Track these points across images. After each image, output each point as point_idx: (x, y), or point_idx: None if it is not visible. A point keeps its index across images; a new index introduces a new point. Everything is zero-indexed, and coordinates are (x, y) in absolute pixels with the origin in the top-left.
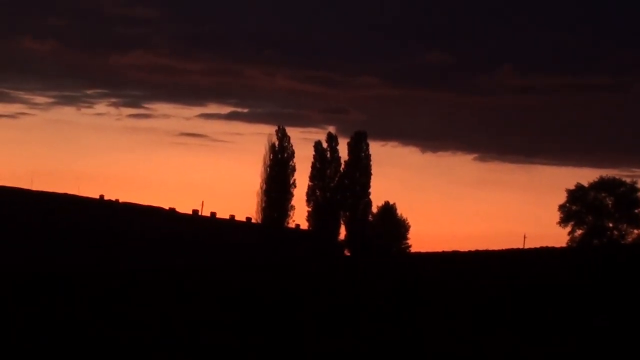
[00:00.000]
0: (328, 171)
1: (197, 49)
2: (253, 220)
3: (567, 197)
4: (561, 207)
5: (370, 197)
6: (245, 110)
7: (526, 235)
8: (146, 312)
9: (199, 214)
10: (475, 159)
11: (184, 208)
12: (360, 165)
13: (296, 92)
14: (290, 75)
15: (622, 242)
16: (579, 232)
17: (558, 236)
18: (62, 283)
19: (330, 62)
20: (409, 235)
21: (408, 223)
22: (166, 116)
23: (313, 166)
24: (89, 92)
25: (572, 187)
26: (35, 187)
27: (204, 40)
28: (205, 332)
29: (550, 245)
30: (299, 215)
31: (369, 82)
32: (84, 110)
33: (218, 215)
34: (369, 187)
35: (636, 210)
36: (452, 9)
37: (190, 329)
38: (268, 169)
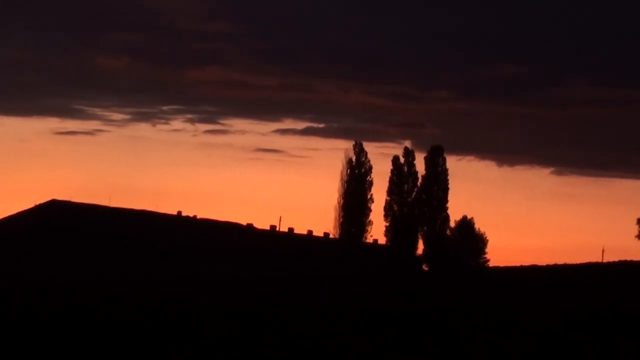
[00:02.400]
0: (405, 186)
1: (272, 64)
2: (331, 236)
3: None
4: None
5: (448, 211)
6: (321, 126)
7: (604, 249)
8: (227, 327)
9: (277, 229)
10: (552, 172)
11: (262, 224)
12: (438, 180)
13: (371, 107)
14: (365, 89)
15: None
16: None
17: (637, 249)
18: (141, 298)
19: (404, 76)
20: (487, 250)
21: (486, 237)
22: (242, 132)
23: (390, 181)
24: (164, 108)
25: None
26: (114, 203)
27: (279, 55)
28: (284, 346)
29: (629, 258)
30: (377, 230)
31: (443, 96)
32: (159, 126)
33: (296, 231)
34: (446, 201)
35: None
36: (527, 21)
37: (268, 342)
38: (345, 184)
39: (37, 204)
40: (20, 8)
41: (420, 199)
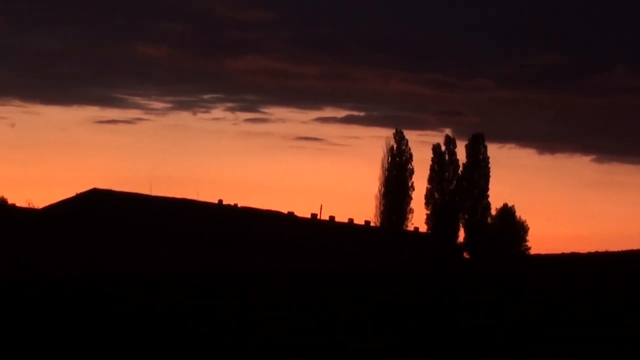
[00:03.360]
0: (446, 174)
1: (312, 52)
2: (372, 224)
3: None
4: None
5: (489, 199)
6: (362, 114)
7: None
8: (267, 316)
9: (318, 217)
10: (593, 160)
11: (303, 212)
12: (479, 168)
13: (411, 95)
14: (405, 78)
15: None
16: None
17: None
18: (182, 287)
19: (445, 64)
20: (528, 238)
21: (527, 225)
22: (282, 120)
23: (431, 169)
24: (205, 97)
25: None
26: (154, 192)
27: (319, 43)
28: (324, 336)
29: None
30: (418, 218)
31: (484, 84)
32: (200, 115)
33: (337, 219)
34: (487, 189)
35: None
36: (565, 9)
37: (310, 331)
38: (386, 172)
39: (78, 192)
40: None
41: (461, 186)
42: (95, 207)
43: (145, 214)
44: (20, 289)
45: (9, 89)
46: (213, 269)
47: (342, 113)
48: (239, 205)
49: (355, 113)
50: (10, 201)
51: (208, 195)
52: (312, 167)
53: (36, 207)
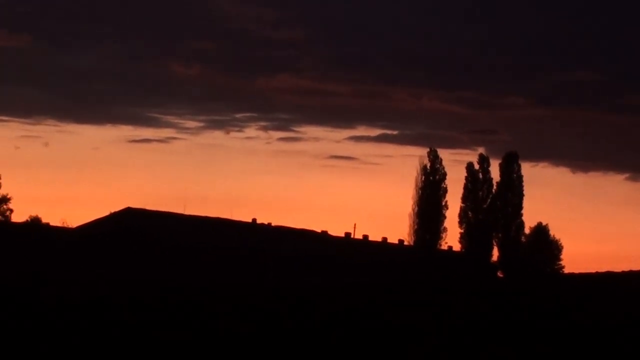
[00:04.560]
0: (480, 192)
1: (345, 70)
2: (406, 243)
3: None
4: None
5: (523, 218)
6: (395, 132)
7: None
8: (301, 334)
9: (352, 236)
10: (626, 178)
11: (336, 231)
12: (512, 186)
13: (445, 114)
14: (439, 96)
15: None
16: None
17: None
18: (217, 306)
19: (478, 82)
20: (562, 256)
21: (561, 244)
22: (316, 139)
23: (465, 187)
24: (237, 115)
25: None
26: (188, 211)
27: (352, 62)
28: (358, 353)
29: None
30: (452, 236)
31: (517, 102)
32: (233, 134)
33: (370, 238)
34: (521, 208)
35: None
36: (599, 27)
37: (346, 350)
38: (420, 191)
39: (112, 211)
40: (92, 17)
41: (494, 205)
42: (129, 226)
43: (179, 232)
44: (55, 307)
45: (42, 108)
46: (247, 288)
47: (375, 132)
48: (272, 224)
49: (389, 132)
50: (44, 220)
51: (242, 214)
52: (346, 186)
53: (70, 226)
